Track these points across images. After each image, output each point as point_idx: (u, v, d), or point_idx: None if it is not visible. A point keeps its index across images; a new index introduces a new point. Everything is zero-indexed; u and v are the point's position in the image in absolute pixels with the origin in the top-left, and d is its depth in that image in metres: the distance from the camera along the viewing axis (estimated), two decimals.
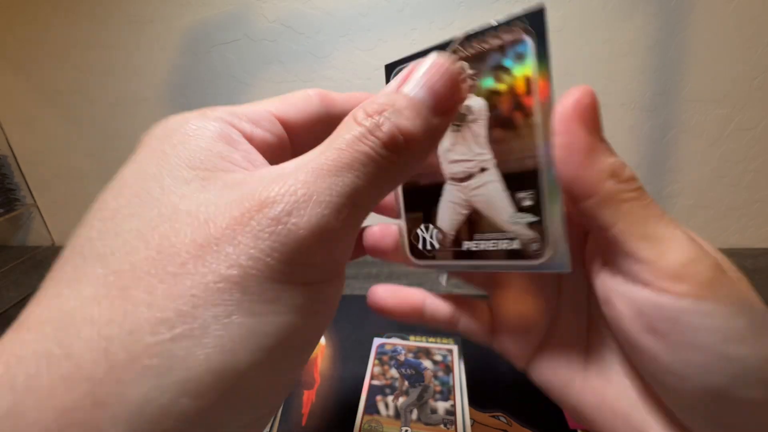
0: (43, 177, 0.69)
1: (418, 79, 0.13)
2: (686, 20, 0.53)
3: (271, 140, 0.15)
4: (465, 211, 0.18)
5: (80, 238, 0.12)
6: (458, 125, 0.17)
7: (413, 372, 0.38)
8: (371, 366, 0.39)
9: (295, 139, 0.16)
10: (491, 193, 0.17)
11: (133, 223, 0.11)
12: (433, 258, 0.20)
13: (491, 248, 0.17)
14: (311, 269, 0.11)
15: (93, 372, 0.09)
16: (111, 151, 0.66)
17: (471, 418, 0.33)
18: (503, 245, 0.17)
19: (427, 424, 0.33)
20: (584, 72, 0.56)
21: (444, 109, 0.13)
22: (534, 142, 0.16)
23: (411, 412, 0.34)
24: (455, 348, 0.41)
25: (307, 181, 0.11)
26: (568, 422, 0.33)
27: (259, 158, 0.14)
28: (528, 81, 0.16)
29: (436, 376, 0.37)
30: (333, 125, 0.14)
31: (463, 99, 0.14)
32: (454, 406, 0.34)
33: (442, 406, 0.34)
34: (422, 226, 0.20)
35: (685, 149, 0.60)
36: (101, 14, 0.58)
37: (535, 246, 0.16)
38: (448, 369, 0.38)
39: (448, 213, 0.19)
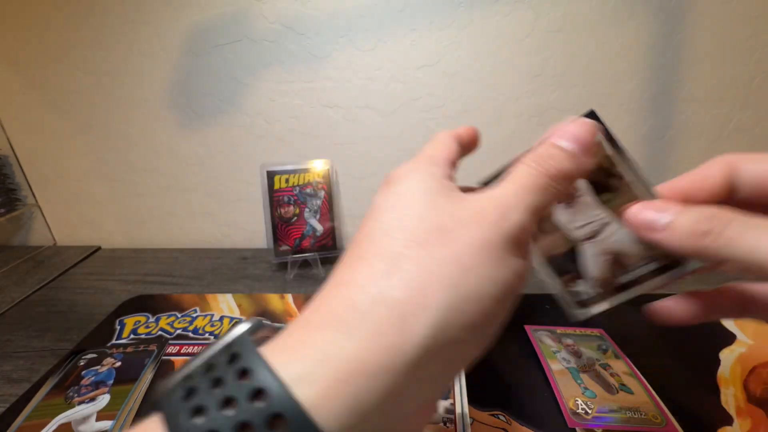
0: (45, 177, 0.69)
1: (562, 134, 0.19)
2: (685, 21, 0.53)
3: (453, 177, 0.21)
4: (608, 257, 0.24)
5: (360, 242, 0.17)
6: (570, 202, 0.24)
7: None
8: None
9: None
10: (623, 237, 0.23)
11: (419, 209, 0.17)
12: (596, 302, 0.25)
13: (642, 273, 0.23)
14: (521, 246, 0.17)
15: (414, 282, 0.15)
16: (112, 151, 0.66)
17: (470, 417, 0.34)
18: (651, 267, 0.22)
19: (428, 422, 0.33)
20: (584, 72, 0.56)
21: (585, 153, 0.19)
22: (634, 194, 0.21)
23: None
24: None
25: (517, 194, 0.17)
26: (567, 421, 0.33)
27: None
28: (610, 157, 0.22)
29: None
30: None
31: (592, 141, 0.20)
32: (453, 404, 0.35)
33: (441, 404, 0.35)
34: (576, 282, 0.25)
35: (684, 149, 0.60)
36: (102, 15, 0.58)
37: (671, 258, 0.22)
38: None
39: (596, 263, 0.24)
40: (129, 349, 0.44)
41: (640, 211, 0.20)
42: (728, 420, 0.34)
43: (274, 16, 0.56)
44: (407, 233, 0.16)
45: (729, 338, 0.43)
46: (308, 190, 0.61)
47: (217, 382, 0.13)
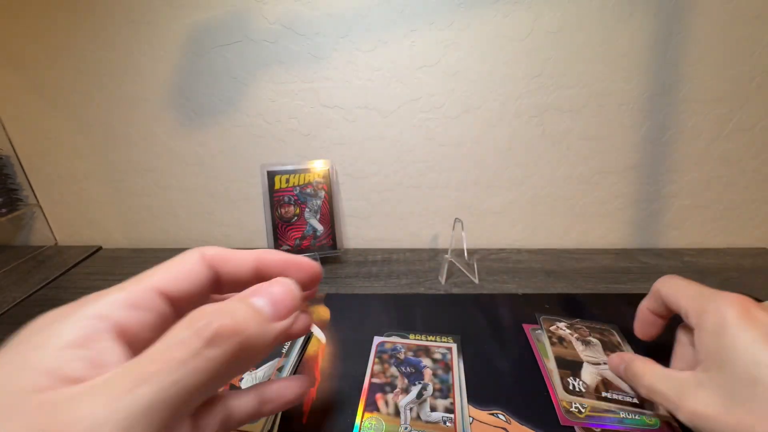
0: (46, 177, 0.69)
1: (263, 291, 0.17)
2: (685, 21, 0.53)
3: (151, 319, 0.16)
4: (600, 378, 0.37)
5: None
6: (587, 343, 0.40)
7: (413, 370, 0.38)
8: (371, 364, 0.39)
9: (182, 307, 0.17)
10: (613, 374, 0.37)
11: None
12: (582, 396, 0.35)
13: (620, 398, 0.35)
14: None
15: None
16: (113, 151, 0.66)
17: (470, 416, 0.34)
18: (627, 399, 0.34)
19: (426, 421, 0.33)
20: (583, 72, 0.57)
21: (282, 316, 0.17)
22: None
23: (411, 410, 0.34)
24: (454, 346, 0.41)
25: (101, 408, 0.13)
26: (560, 419, 0.33)
27: (109, 356, 0.15)
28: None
29: (435, 374, 0.38)
30: (224, 287, 0.18)
31: (294, 309, 0.17)
32: (453, 404, 0.35)
33: (441, 404, 0.35)
34: (571, 378, 0.37)
35: (684, 149, 0.60)
36: (103, 15, 0.58)
37: (648, 403, 0.34)
38: (448, 367, 0.39)
39: (590, 376, 0.37)
40: None
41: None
42: None
43: (275, 16, 0.57)
44: None
45: None
46: (308, 190, 0.61)
47: None
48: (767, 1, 0.52)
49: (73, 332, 0.15)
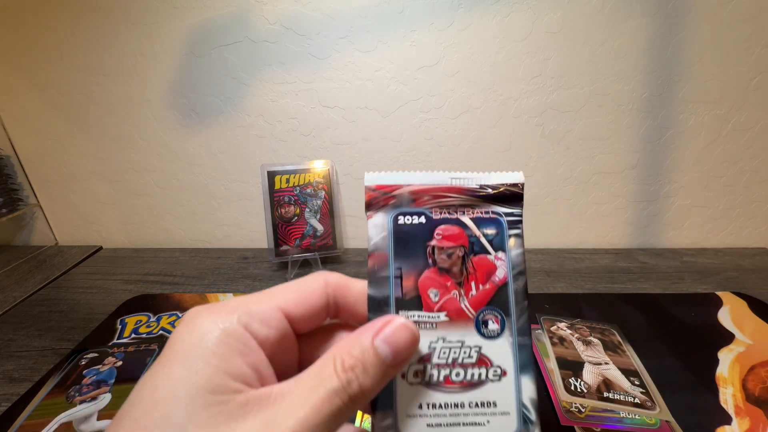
0: (46, 177, 0.69)
1: (387, 336, 0.17)
2: (684, 21, 0.54)
3: (277, 337, 0.17)
4: (601, 378, 0.36)
5: None
6: (588, 343, 0.40)
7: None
8: None
9: (300, 329, 0.19)
10: (615, 374, 0.37)
11: None
12: (583, 396, 0.34)
13: (621, 398, 0.34)
14: None
15: None
16: (113, 152, 0.66)
17: None
18: (629, 399, 0.34)
19: None
20: (583, 73, 0.57)
21: (399, 364, 0.17)
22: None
23: None
24: None
25: (294, 430, 0.14)
26: (560, 419, 0.33)
27: (265, 365, 0.17)
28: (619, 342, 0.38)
29: None
30: (341, 312, 0.19)
31: (411, 356, 0.18)
32: None
33: None
34: (573, 378, 0.36)
35: (683, 149, 0.60)
36: (103, 15, 0.58)
37: (648, 403, 0.33)
38: None
39: (592, 376, 0.37)
40: (130, 349, 0.44)
41: None
42: (727, 419, 0.34)
43: (275, 17, 0.57)
44: None
45: (728, 338, 0.43)
46: (309, 190, 0.61)
47: None
48: (766, 1, 0.52)
49: (235, 341, 0.16)
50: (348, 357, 0.16)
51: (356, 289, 0.19)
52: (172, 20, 0.58)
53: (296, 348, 0.19)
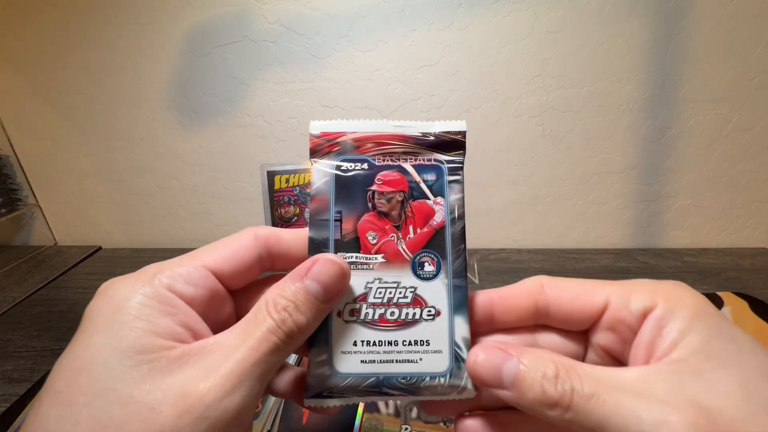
0: (46, 177, 0.69)
1: (318, 272, 0.17)
2: (684, 21, 0.53)
3: (206, 295, 0.17)
4: None
5: (37, 424, 0.13)
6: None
7: None
8: None
9: (232, 285, 0.19)
10: None
11: (92, 412, 0.13)
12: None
13: None
14: None
15: None
16: (112, 151, 0.66)
17: None
18: None
19: (426, 422, 0.33)
20: (583, 72, 0.57)
21: (331, 299, 0.17)
22: None
23: (411, 410, 0.34)
24: None
25: (233, 371, 0.14)
26: None
27: (197, 321, 0.16)
28: None
29: None
30: (276, 263, 0.19)
31: (344, 290, 0.18)
32: None
33: None
34: None
35: (683, 149, 0.60)
36: (103, 15, 0.58)
37: None
38: None
39: None
40: None
41: (483, 356, 0.17)
42: None
43: (275, 16, 0.57)
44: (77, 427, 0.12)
45: None
46: (309, 190, 0.61)
47: None
48: (766, 1, 0.52)
49: (159, 303, 0.16)
50: (280, 299, 0.16)
51: (286, 238, 0.20)
52: (172, 20, 0.58)
53: (231, 304, 0.19)
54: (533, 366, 0.15)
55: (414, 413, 0.34)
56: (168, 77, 0.61)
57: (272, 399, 0.36)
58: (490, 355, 0.16)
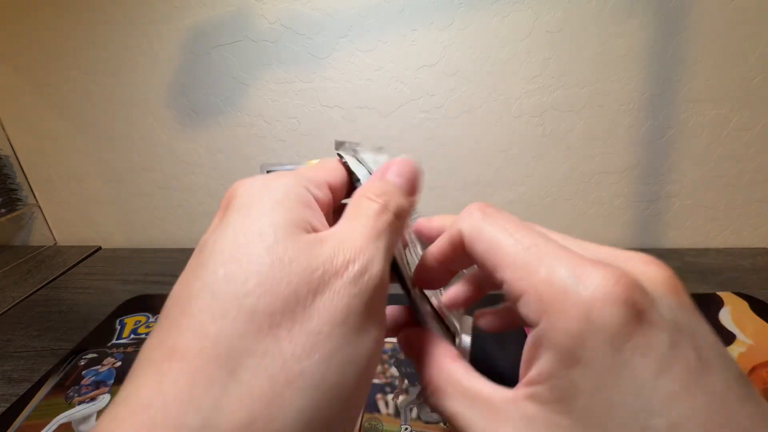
0: (45, 177, 0.69)
1: (396, 171, 0.19)
2: (684, 21, 0.53)
3: (326, 201, 0.18)
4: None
5: (204, 282, 0.13)
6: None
7: (413, 370, 0.38)
8: None
9: (334, 197, 0.20)
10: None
11: (260, 269, 0.13)
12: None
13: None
14: (381, 305, 0.16)
15: (262, 393, 0.11)
16: (112, 151, 0.66)
17: None
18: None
19: (426, 422, 0.33)
20: (584, 72, 0.56)
21: (414, 189, 0.20)
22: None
23: (411, 410, 0.34)
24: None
25: (364, 246, 0.15)
26: None
27: (324, 220, 0.17)
28: None
29: None
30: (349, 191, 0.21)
31: (421, 185, 0.20)
32: None
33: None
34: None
35: (684, 149, 0.60)
36: (102, 15, 0.58)
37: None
38: None
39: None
40: (129, 349, 0.44)
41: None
42: None
43: (275, 16, 0.56)
44: (246, 310, 0.12)
45: (729, 338, 0.43)
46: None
47: None
48: (767, 1, 0.52)
49: (301, 197, 0.16)
50: (374, 189, 0.18)
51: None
52: (172, 20, 0.58)
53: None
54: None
55: (414, 413, 0.34)
56: (168, 77, 0.61)
57: None
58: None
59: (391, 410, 0.34)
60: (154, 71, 0.61)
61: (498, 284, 0.15)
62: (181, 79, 0.61)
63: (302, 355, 0.12)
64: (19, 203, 0.69)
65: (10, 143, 0.67)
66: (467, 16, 0.55)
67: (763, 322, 0.45)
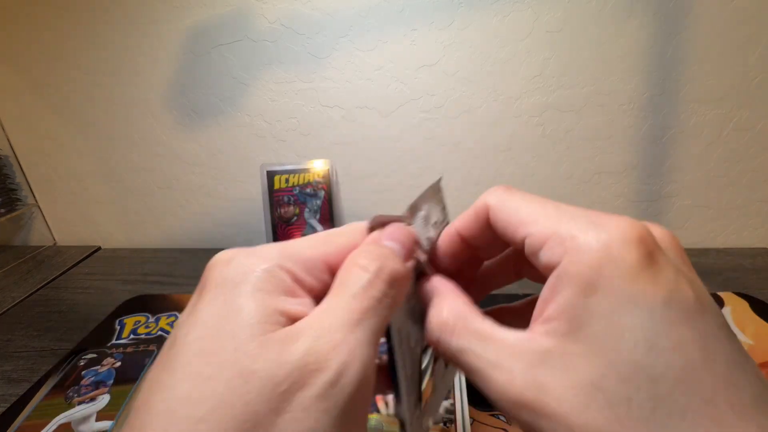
0: (45, 177, 0.69)
1: (389, 235, 0.18)
2: (684, 21, 0.53)
3: (318, 287, 0.17)
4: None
5: (165, 397, 0.13)
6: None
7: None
8: None
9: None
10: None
11: (215, 387, 0.12)
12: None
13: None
14: (358, 417, 0.14)
15: None
16: (112, 151, 0.66)
17: (471, 417, 0.34)
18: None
19: None
20: (583, 72, 0.56)
21: (409, 255, 0.18)
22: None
23: None
24: None
25: (341, 340, 0.14)
26: None
27: (309, 303, 0.16)
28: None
29: None
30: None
31: (415, 251, 0.19)
32: (454, 404, 0.35)
33: (442, 405, 0.35)
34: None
35: (684, 149, 0.60)
36: (102, 15, 0.58)
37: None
38: None
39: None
40: (129, 349, 0.44)
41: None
42: None
43: (275, 16, 0.56)
44: (207, 425, 0.12)
45: None
46: (308, 190, 0.61)
47: None
48: (766, 1, 0.52)
49: (281, 283, 0.15)
50: (366, 255, 0.16)
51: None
52: (172, 19, 0.57)
53: None
54: (439, 316, 0.17)
55: None
56: (168, 77, 0.61)
57: None
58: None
59: (391, 410, 0.34)
60: (154, 71, 0.61)
61: (519, 244, 0.16)
62: (181, 79, 0.61)
63: None
64: (18, 203, 0.69)
65: (9, 143, 0.66)
66: (467, 16, 0.55)
67: (764, 323, 0.45)
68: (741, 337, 0.43)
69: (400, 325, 0.18)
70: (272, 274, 0.15)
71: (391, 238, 0.18)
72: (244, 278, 0.15)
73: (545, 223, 0.15)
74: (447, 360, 0.17)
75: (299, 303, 0.15)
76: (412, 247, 0.18)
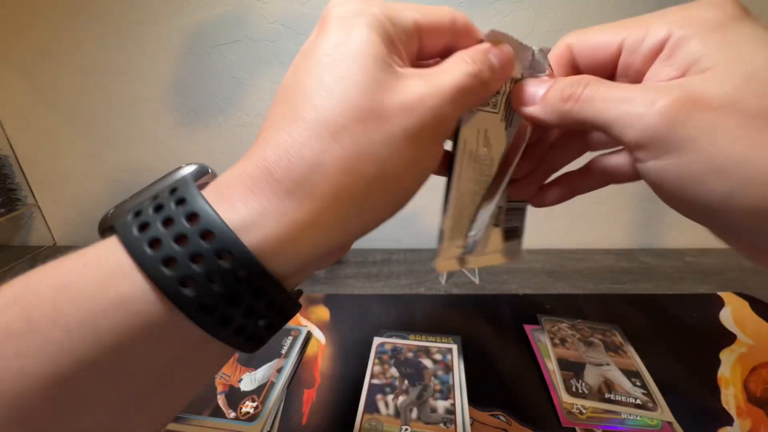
0: (45, 177, 0.69)
1: (496, 53, 0.20)
2: None
3: (409, 47, 0.19)
4: (603, 379, 0.37)
5: (299, 95, 0.17)
6: (589, 343, 0.41)
7: (413, 371, 0.38)
8: (371, 365, 0.39)
9: (426, 43, 0.21)
10: (616, 375, 0.37)
11: (355, 88, 0.16)
12: (584, 397, 0.35)
13: (623, 400, 0.35)
14: (444, 135, 0.19)
15: (351, 156, 0.16)
16: (111, 151, 0.66)
17: (470, 417, 0.34)
18: (630, 400, 0.35)
19: (426, 422, 0.33)
20: None
21: (504, 77, 0.21)
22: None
23: (411, 411, 0.34)
24: (455, 347, 0.41)
25: (452, 87, 0.18)
26: (561, 420, 0.33)
27: (406, 62, 0.19)
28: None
29: (435, 375, 0.38)
30: (450, 49, 0.21)
31: (510, 73, 0.21)
32: (453, 405, 0.35)
33: (441, 405, 0.35)
34: (574, 379, 0.37)
35: None
36: (102, 15, 0.58)
37: (650, 404, 0.34)
38: (448, 368, 0.39)
39: (593, 377, 0.37)
40: None
41: (525, 87, 0.21)
42: (728, 420, 0.34)
43: (275, 15, 0.56)
44: (350, 105, 0.16)
45: (729, 338, 0.43)
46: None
47: (167, 222, 0.15)
48: (766, 1, 0.52)
49: (386, 39, 0.18)
50: (475, 56, 0.19)
51: (475, 36, 0.21)
52: (171, 19, 0.57)
53: None
54: (559, 81, 0.20)
55: (414, 414, 0.34)
56: (167, 77, 0.61)
57: (272, 399, 0.36)
58: (529, 85, 0.21)
59: (391, 411, 0.34)
60: (154, 71, 0.61)
61: (614, 55, 0.19)
62: (181, 79, 0.61)
63: (377, 145, 0.16)
64: (18, 203, 0.69)
65: (9, 143, 0.66)
66: (467, 15, 0.55)
67: (764, 323, 0.45)
68: (741, 337, 0.43)
69: (473, 146, 0.22)
70: (392, 24, 0.18)
71: (497, 56, 0.20)
72: (373, 21, 0.17)
73: (638, 24, 0.18)
74: (564, 122, 0.19)
75: (398, 56, 0.18)
76: (509, 69, 0.21)
